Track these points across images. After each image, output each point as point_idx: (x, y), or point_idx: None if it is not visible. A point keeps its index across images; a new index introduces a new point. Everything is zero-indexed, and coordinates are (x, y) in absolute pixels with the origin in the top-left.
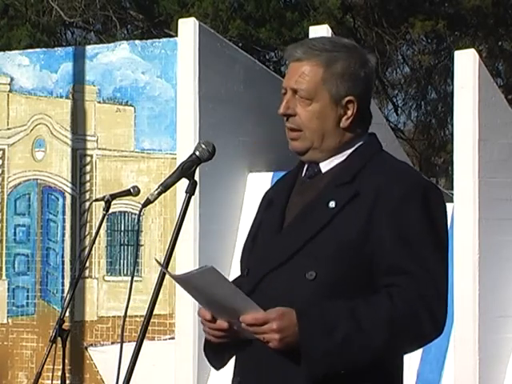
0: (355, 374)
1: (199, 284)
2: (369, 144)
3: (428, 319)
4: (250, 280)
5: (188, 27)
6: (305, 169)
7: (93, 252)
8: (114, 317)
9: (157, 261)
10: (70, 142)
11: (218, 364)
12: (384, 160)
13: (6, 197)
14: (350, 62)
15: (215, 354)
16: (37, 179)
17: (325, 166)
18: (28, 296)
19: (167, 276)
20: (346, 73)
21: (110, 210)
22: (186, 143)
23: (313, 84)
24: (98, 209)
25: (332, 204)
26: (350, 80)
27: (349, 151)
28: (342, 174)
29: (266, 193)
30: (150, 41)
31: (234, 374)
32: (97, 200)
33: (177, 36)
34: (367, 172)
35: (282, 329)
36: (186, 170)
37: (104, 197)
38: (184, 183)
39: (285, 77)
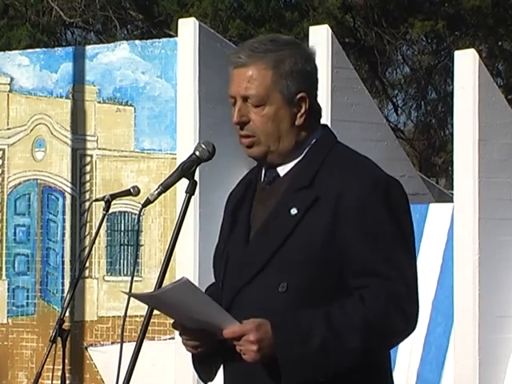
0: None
1: (173, 299)
2: (323, 139)
3: (400, 318)
4: (225, 295)
5: (188, 27)
6: (263, 174)
7: (93, 252)
8: (113, 317)
9: (123, 292)
10: (69, 142)
11: (206, 376)
12: (341, 155)
13: (5, 197)
14: (296, 59)
15: (202, 366)
16: (37, 179)
17: (282, 170)
18: (28, 296)
19: (167, 276)
20: (294, 70)
21: (110, 210)
22: (186, 143)
23: (263, 88)
24: (98, 209)
25: (294, 211)
26: (298, 77)
27: (305, 150)
28: (299, 177)
29: (231, 193)
30: (149, 41)
31: None
32: (97, 200)
33: (177, 36)
34: (325, 172)
35: (259, 340)
36: (186, 170)
37: (104, 197)
38: (184, 183)
39: (230, 85)
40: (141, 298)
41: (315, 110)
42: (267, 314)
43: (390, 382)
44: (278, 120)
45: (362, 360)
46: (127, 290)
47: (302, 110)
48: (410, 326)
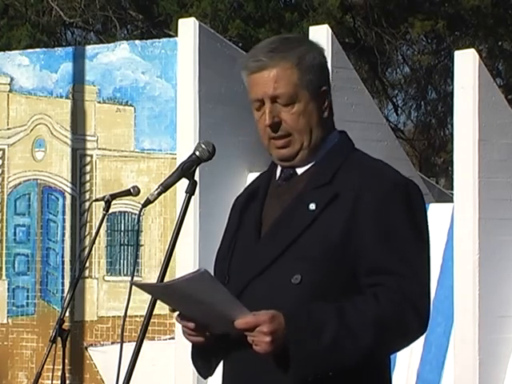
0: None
1: (186, 290)
2: (343, 143)
3: (414, 317)
4: (232, 288)
5: (188, 27)
6: (278, 172)
7: (93, 252)
8: (114, 317)
9: (132, 283)
10: (69, 142)
11: (205, 372)
12: (359, 159)
13: (5, 197)
14: (314, 54)
15: (202, 361)
16: (37, 179)
17: (300, 168)
18: (28, 296)
19: (167, 276)
20: (315, 64)
21: (110, 210)
22: (186, 143)
23: (291, 86)
24: (98, 209)
25: (312, 206)
26: (318, 70)
27: (323, 151)
28: (319, 175)
29: (237, 198)
30: (149, 41)
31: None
32: (97, 200)
33: (177, 36)
34: (344, 172)
35: (272, 331)
36: (186, 170)
37: (104, 197)
38: (184, 183)
39: (253, 89)
40: (148, 288)
41: (332, 104)
42: (278, 306)
43: None
44: (308, 115)
45: (374, 356)
46: (127, 291)
47: (326, 103)
48: (422, 324)
